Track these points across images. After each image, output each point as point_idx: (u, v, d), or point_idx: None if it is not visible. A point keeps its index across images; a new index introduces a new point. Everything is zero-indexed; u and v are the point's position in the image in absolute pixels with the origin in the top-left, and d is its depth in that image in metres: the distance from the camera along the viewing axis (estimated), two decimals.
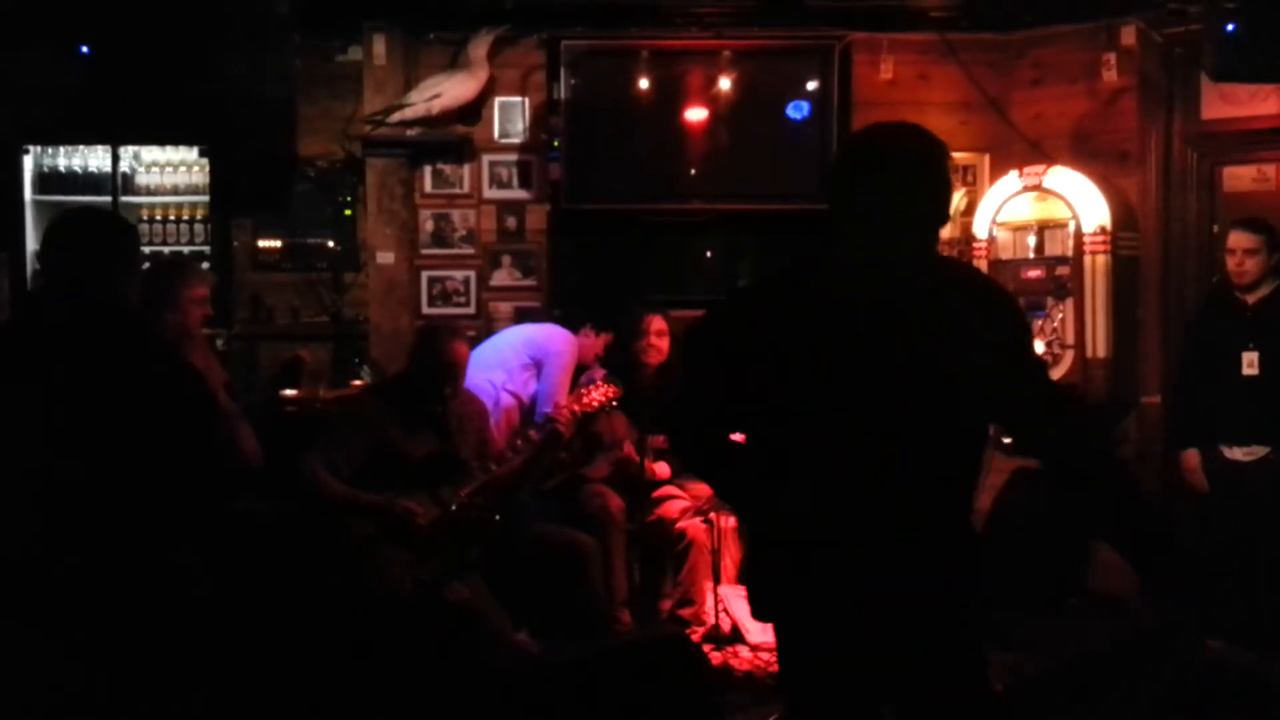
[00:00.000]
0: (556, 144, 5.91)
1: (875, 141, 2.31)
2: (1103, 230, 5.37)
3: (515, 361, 5.17)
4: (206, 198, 6.26)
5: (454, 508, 4.17)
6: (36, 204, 6.26)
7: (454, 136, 5.99)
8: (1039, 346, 5.53)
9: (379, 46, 5.94)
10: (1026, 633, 5.09)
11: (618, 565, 4.88)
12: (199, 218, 6.29)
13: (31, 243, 6.20)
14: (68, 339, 2.59)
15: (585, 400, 4.65)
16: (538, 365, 5.17)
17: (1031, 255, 5.61)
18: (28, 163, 6.22)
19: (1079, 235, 5.40)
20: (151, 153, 6.34)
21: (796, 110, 5.96)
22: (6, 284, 6.19)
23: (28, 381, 2.55)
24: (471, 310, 6.08)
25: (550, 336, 5.28)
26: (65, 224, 2.82)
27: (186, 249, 6.25)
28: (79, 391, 2.52)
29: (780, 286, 2.37)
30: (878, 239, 2.22)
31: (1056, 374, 5.50)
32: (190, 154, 6.30)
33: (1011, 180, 5.59)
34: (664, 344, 5.28)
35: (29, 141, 6.19)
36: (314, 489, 4.06)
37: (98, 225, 2.90)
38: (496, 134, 6.07)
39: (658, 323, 5.27)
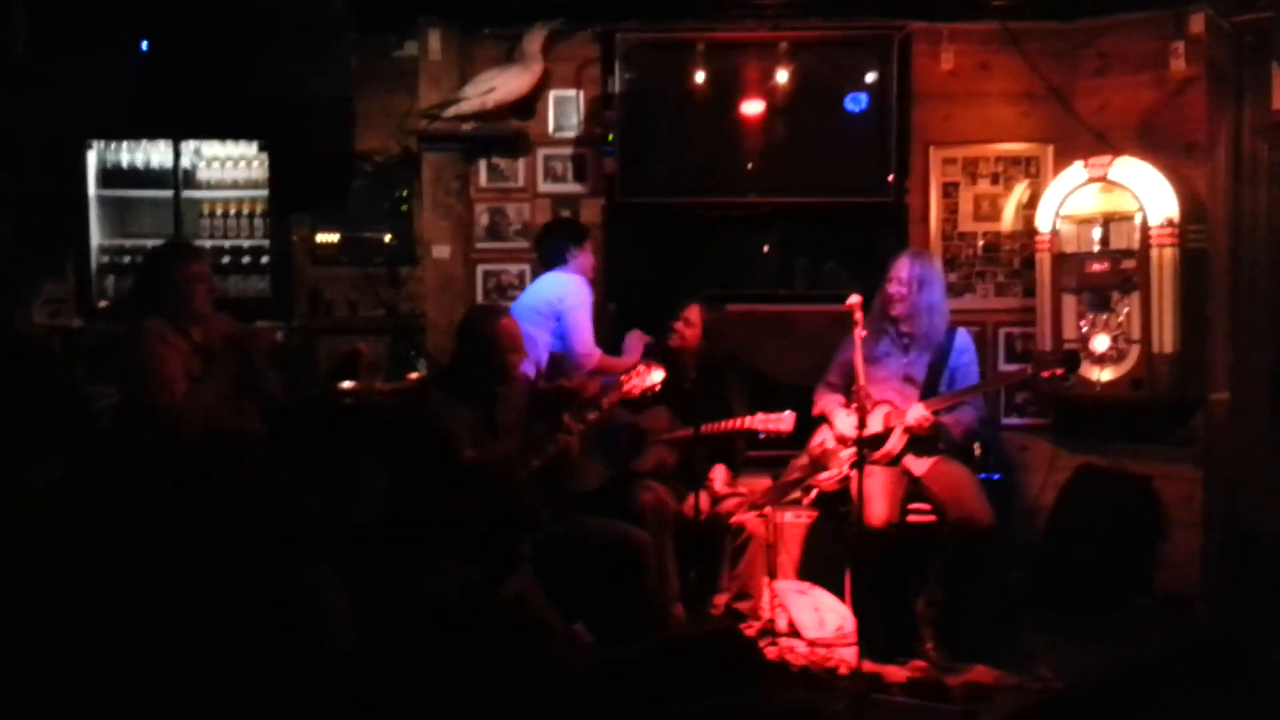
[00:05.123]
0: (611, 137, 5.89)
1: None
2: (1170, 223, 5.24)
3: (543, 325, 5.20)
4: (266, 193, 6.32)
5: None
6: (100, 198, 6.36)
7: (509, 130, 5.99)
8: (1104, 342, 5.42)
9: (434, 41, 5.95)
10: (1092, 632, 5.01)
11: (668, 559, 4.86)
12: (259, 213, 6.35)
13: (96, 236, 6.32)
14: None
15: (626, 387, 4.63)
16: (555, 318, 5.17)
17: (1096, 248, 5.48)
18: (91, 158, 6.32)
19: (1145, 228, 5.27)
20: (212, 148, 6.40)
21: (855, 102, 5.89)
22: (72, 277, 6.31)
23: None
24: None
25: (555, 290, 5.24)
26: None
27: (246, 243, 6.32)
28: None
29: None
30: None
31: (1122, 370, 5.40)
32: (250, 149, 6.36)
33: (1076, 171, 5.48)
34: (689, 332, 5.25)
35: (92, 137, 6.29)
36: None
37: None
38: (551, 128, 6.07)
39: (691, 311, 5.26)
